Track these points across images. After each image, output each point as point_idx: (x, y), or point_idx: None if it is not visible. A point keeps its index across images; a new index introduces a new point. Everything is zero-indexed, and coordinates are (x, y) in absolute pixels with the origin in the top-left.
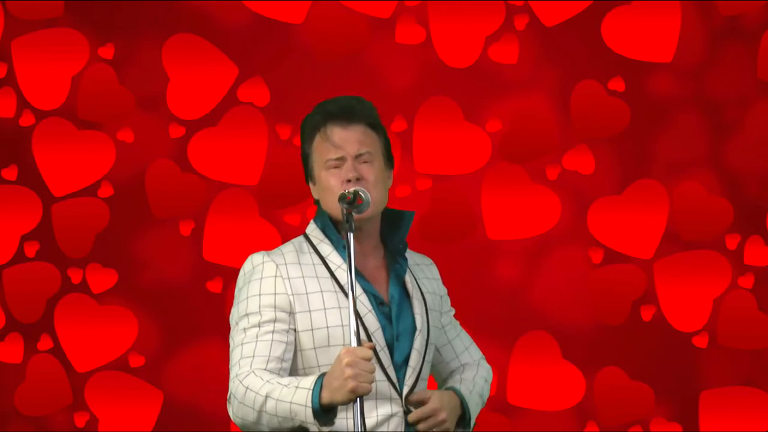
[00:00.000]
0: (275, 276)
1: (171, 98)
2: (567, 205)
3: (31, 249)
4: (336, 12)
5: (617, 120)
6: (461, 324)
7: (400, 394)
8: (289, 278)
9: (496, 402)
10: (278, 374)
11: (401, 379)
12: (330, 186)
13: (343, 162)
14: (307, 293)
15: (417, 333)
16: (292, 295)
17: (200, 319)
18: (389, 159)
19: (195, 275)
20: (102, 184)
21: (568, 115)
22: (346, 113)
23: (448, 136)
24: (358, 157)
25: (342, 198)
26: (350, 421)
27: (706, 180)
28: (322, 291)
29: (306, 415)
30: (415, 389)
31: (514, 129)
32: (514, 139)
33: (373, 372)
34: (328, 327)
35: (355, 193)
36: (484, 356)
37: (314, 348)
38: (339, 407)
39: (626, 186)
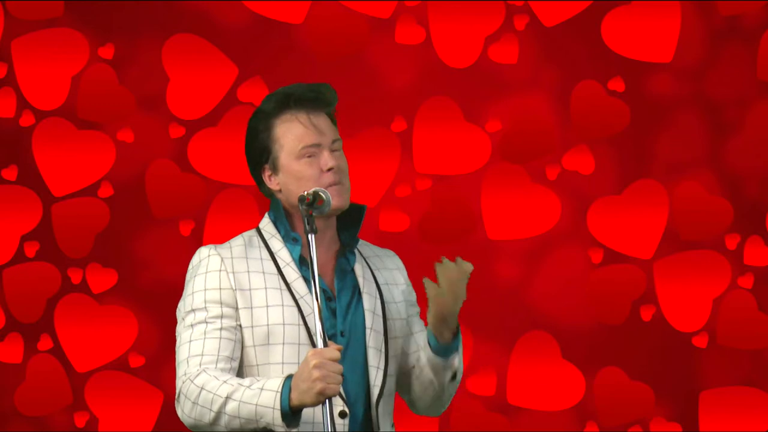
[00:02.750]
0: (219, 270)
1: (171, 98)
2: (567, 205)
3: (31, 249)
4: (336, 12)
5: (617, 120)
6: (462, 323)
7: (345, 399)
8: (234, 272)
9: (496, 402)
10: (229, 373)
11: (354, 381)
12: (306, 175)
13: (320, 149)
14: (250, 289)
15: (368, 330)
16: (236, 290)
17: None
18: None
19: None
20: (102, 184)
21: (568, 115)
22: (313, 99)
23: (448, 136)
24: (333, 143)
25: (302, 200)
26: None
27: (706, 180)
28: (266, 288)
29: (274, 418)
30: (386, 389)
31: (514, 129)
32: (514, 139)
33: (340, 373)
34: (268, 325)
35: (315, 193)
36: None
37: (254, 346)
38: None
39: (626, 186)
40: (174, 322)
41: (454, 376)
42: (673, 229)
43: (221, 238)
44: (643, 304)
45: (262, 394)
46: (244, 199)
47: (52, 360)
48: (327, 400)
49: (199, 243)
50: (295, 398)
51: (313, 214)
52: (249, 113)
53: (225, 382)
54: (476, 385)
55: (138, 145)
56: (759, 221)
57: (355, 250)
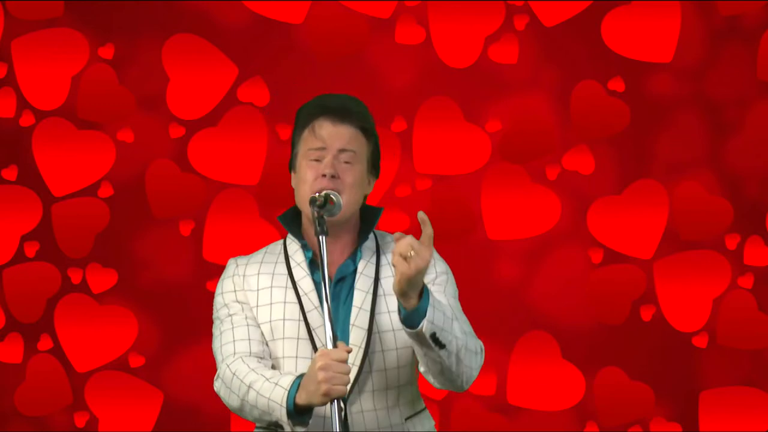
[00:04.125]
0: (233, 275)
1: (171, 98)
2: (567, 205)
3: (31, 249)
4: (336, 12)
5: (617, 120)
6: None
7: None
8: (244, 276)
9: (496, 402)
10: (263, 356)
11: None
12: (306, 178)
13: (324, 155)
14: (257, 289)
15: (351, 327)
16: (246, 291)
17: (200, 319)
18: (374, 167)
19: (195, 275)
20: (102, 184)
21: (568, 115)
22: (341, 111)
23: (448, 136)
24: (340, 153)
25: (312, 201)
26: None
27: (706, 180)
28: (272, 287)
29: (281, 414)
30: (359, 385)
31: (514, 129)
32: (514, 139)
33: (347, 374)
34: (270, 321)
35: (326, 196)
36: (474, 335)
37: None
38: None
39: (626, 186)
40: (174, 322)
41: (439, 344)
42: (673, 229)
43: (221, 238)
44: (643, 304)
45: (275, 390)
46: (244, 199)
47: (52, 360)
48: (335, 401)
49: (199, 243)
50: (303, 398)
51: (324, 216)
52: (249, 113)
53: (253, 370)
54: (476, 385)
55: (138, 145)
56: (759, 221)
57: (371, 247)
